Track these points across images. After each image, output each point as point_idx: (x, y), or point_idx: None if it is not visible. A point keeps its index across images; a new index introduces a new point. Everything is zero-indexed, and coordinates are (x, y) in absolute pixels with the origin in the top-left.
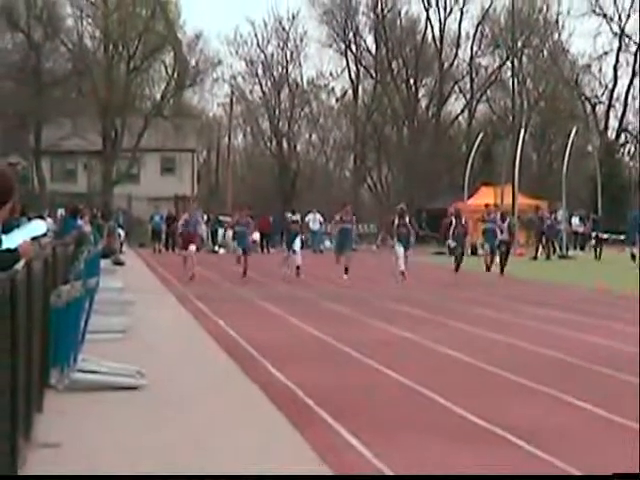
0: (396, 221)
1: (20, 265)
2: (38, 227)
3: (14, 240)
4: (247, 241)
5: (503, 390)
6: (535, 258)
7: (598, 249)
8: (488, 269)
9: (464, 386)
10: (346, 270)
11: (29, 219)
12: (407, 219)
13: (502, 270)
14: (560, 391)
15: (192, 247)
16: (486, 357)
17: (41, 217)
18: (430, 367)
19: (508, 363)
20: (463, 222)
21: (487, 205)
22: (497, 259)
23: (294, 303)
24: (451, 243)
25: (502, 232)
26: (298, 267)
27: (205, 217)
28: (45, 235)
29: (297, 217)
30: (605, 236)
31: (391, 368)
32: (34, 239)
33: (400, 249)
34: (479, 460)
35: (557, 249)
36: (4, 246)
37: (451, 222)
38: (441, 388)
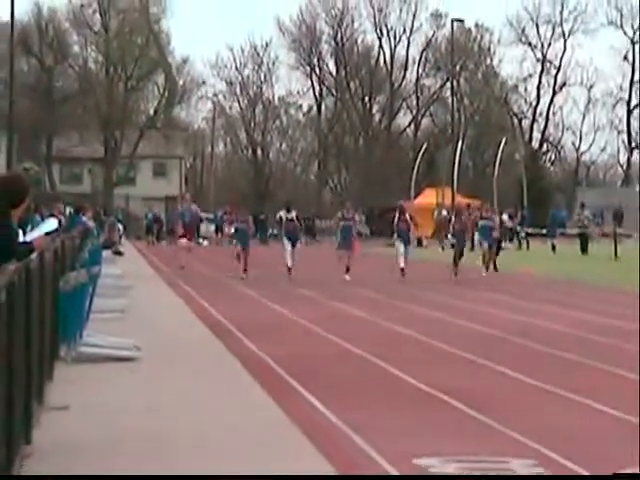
0: (396, 217)
1: (34, 255)
2: (51, 224)
3: (33, 236)
4: (247, 238)
5: (445, 361)
6: (472, 249)
7: (525, 241)
8: (487, 268)
9: (412, 357)
10: (347, 269)
11: (42, 217)
12: (407, 215)
13: (495, 266)
14: (493, 362)
15: (187, 242)
16: (433, 333)
17: (53, 215)
18: (383, 341)
19: (451, 338)
20: (462, 219)
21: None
22: (485, 255)
23: (269, 288)
24: (451, 239)
25: (495, 229)
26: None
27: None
28: (57, 231)
29: (293, 215)
30: (530, 230)
31: (350, 342)
32: (47, 234)
33: (400, 245)
34: (424, 418)
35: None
36: (21, 239)
37: (450, 219)
38: (392, 358)
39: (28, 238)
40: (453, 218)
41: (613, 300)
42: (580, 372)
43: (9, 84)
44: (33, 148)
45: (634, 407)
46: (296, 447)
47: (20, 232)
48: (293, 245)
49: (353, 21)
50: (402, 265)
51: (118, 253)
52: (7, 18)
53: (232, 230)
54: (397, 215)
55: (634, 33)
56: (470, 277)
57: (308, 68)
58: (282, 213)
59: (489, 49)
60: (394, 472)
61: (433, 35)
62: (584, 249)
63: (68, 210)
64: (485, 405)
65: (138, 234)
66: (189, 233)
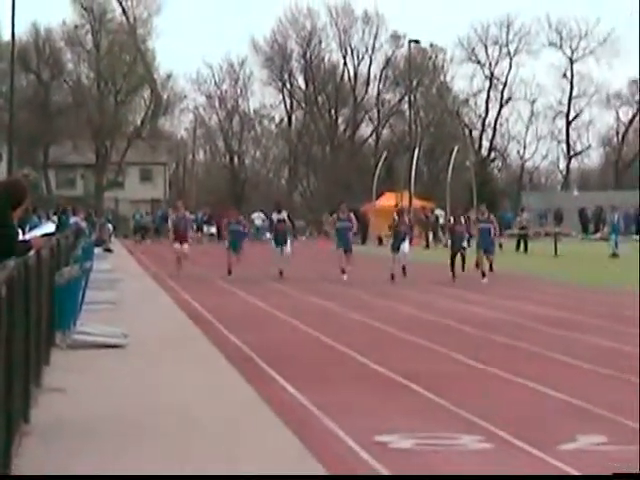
0: (396, 219)
1: (32, 253)
2: (49, 227)
3: (31, 235)
4: (240, 240)
5: (405, 348)
6: (427, 247)
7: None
8: (484, 274)
9: (376, 345)
10: (343, 270)
11: (38, 218)
12: (406, 218)
13: (490, 266)
14: (446, 348)
15: (185, 246)
16: (390, 322)
17: (49, 218)
18: (350, 330)
19: (412, 328)
20: (463, 221)
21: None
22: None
23: (245, 283)
24: (450, 241)
25: (493, 231)
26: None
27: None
28: (54, 234)
29: (283, 215)
30: None
31: (318, 330)
32: (44, 235)
33: (406, 246)
34: (384, 398)
35: (442, 240)
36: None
37: (449, 221)
38: (357, 346)
39: (27, 237)
40: (452, 220)
41: (554, 292)
42: (527, 358)
43: (9, 98)
44: (31, 156)
45: (574, 389)
46: (268, 427)
47: (19, 231)
48: (283, 244)
49: (320, 41)
50: (404, 263)
51: (108, 250)
52: (8, 38)
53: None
54: (396, 217)
55: (572, 53)
56: (419, 270)
57: (280, 83)
58: (273, 214)
59: (442, 67)
60: (358, 448)
61: (392, 54)
62: (525, 248)
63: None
64: (441, 388)
65: (126, 233)
66: (184, 237)
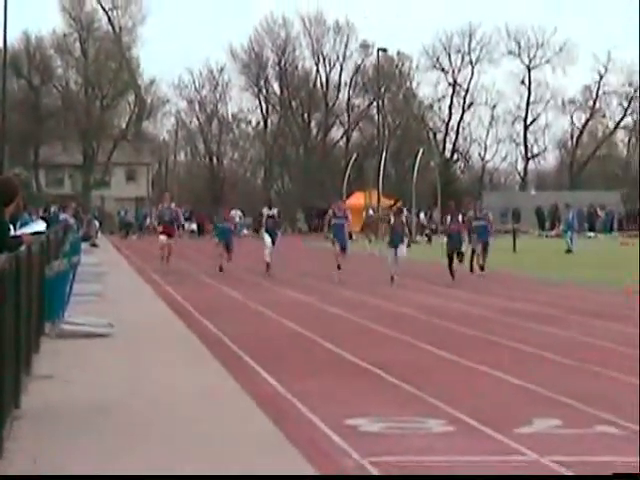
0: (392, 219)
1: (23, 248)
2: (40, 225)
3: (23, 231)
4: (230, 237)
5: (375, 339)
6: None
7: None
8: (475, 269)
9: (348, 336)
10: (338, 267)
11: (29, 214)
12: (404, 218)
13: (483, 266)
14: (421, 341)
15: (168, 238)
16: (365, 315)
17: (43, 218)
18: (323, 322)
19: (381, 320)
20: (459, 219)
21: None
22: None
23: (225, 276)
24: (445, 240)
25: (489, 228)
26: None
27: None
28: (44, 232)
29: (274, 212)
30: (441, 227)
31: (294, 321)
32: (35, 233)
33: (391, 250)
34: (357, 386)
35: (407, 236)
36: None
37: (445, 219)
38: (330, 337)
39: (18, 233)
40: (448, 219)
41: (514, 286)
42: (488, 347)
43: (2, 101)
44: (22, 156)
45: (532, 376)
46: (246, 413)
47: (11, 227)
48: (273, 242)
49: (294, 50)
50: (393, 271)
51: (95, 245)
52: (0, 45)
53: (194, 226)
54: (392, 216)
55: (529, 61)
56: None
57: (256, 89)
58: (264, 210)
59: (409, 74)
60: (330, 432)
61: (362, 62)
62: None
63: (53, 209)
64: (409, 376)
65: (112, 229)
66: (169, 230)
